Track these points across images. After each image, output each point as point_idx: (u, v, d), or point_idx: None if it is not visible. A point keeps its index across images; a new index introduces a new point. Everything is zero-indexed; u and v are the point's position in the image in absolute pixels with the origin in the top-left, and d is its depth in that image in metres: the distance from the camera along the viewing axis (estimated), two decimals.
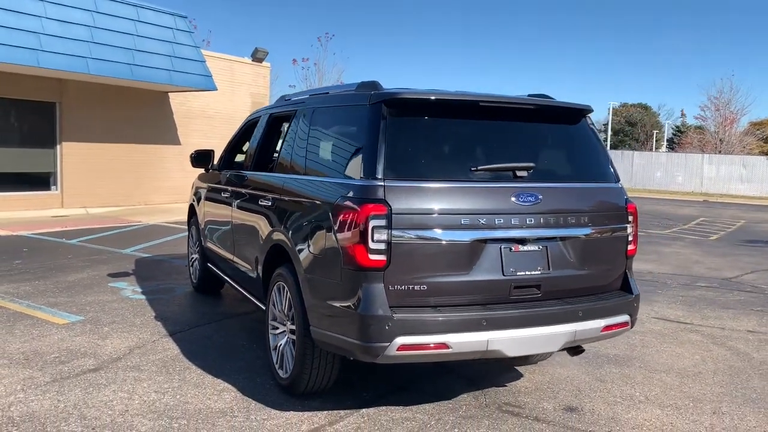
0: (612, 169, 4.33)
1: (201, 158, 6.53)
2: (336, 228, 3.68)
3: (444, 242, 3.61)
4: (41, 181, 14.69)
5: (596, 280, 4.12)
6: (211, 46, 29.21)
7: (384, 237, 3.50)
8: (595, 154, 4.32)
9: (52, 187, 14.77)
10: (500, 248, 3.74)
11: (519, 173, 3.86)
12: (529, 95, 4.45)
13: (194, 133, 17.57)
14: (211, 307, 6.77)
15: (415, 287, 3.59)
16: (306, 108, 4.79)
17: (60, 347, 5.27)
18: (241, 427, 3.92)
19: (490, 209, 3.70)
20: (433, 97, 3.81)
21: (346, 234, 3.60)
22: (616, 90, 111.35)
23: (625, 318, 4.15)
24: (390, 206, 3.52)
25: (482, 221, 3.67)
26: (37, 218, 13.41)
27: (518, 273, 3.78)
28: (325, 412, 4.15)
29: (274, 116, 5.51)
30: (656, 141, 65.06)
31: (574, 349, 4.25)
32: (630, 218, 4.24)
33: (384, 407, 4.25)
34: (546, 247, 3.88)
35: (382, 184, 3.56)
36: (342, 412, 4.15)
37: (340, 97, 4.50)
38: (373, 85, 4.03)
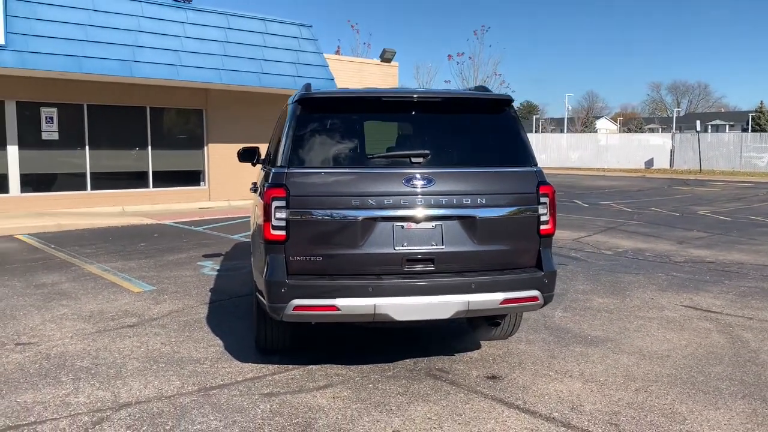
0: (528, 154, 4.57)
1: (247, 154, 7.56)
2: (258, 207, 4.44)
3: (337, 220, 4.20)
4: (193, 177, 16.99)
5: (501, 257, 4.42)
6: (371, 48, 30.72)
7: (283, 215, 4.18)
8: (511, 140, 4.60)
9: (201, 183, 17.02)
10: (392, 226, 4.24)
11: (415, 160, 4.32)
12: (472, 88, 4.83)
13: None
14: None
15: (312, 258, 4.22)
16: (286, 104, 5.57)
17: (119, 308, 6.58)
18: (201, 370, 4.82)
19: (381, 192, 4.21)
20: (337, 96, 4.40)
21: (260, 213, 4.35)
22: None
23: (533, 293, 4.38)
24: (289, 190, 4.19)
25: (372, 202, 4.19)
26: (186, 209, 15.60)
27: (410, 248, 4.24)
28: (276, 365, 4.91)
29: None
30: None
31: (491, 321, 4.57)
32: (543, 200, 4.47)
33: (328, 365, 4.91)
34: (441, 225, 4.29)
35: (285, 171, 4.25)
36: (290, 366, 4.89)
37: (292, 97, 5.22)
38: (306, 86, 4.70)
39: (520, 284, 4.36)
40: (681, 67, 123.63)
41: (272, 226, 4.20)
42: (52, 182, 14.83)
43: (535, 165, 4.57)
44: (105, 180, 15.46)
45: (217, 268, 8.70)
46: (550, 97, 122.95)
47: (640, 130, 71.40)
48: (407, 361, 5.00)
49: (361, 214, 4.19)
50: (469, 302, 4.25)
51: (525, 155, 4.57)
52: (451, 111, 4.65)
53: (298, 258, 4.23)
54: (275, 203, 4.19)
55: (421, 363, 4.96)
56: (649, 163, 39.38)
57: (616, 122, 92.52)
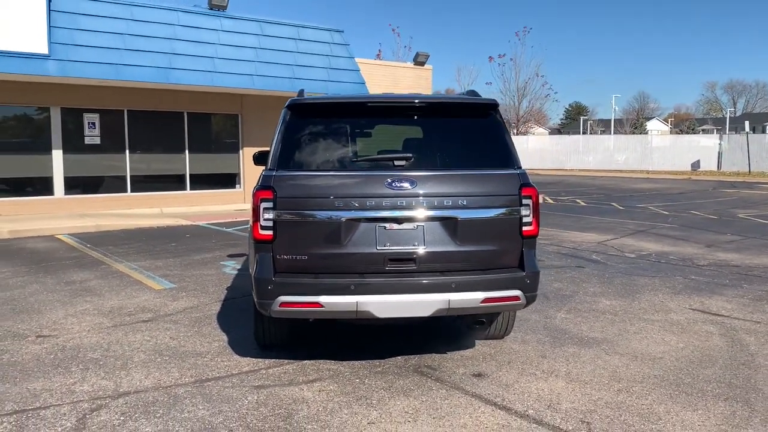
0: (511, 157, 4.66)
1: (262, 157, 7.83)
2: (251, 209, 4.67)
3: (321, 221, 4.38)
4: (229, 180, 17.47)
5: (483, 257, 4.52)
6: (411, 51, 30.75)
7: (271, 216, 4.39)
8: (494, 144, 4.70)
9: (237, 186, 17.49)
10: (375, 226, 4.40)
11: (398, 162, 4.47)
12: (463, 93, 4.96)
13: None
14: None
15: (299, 257, 4.41)
16: None
17: (138, 305, 6.92)
18: (201, 363, 5.07)
19: (364, 194, 4.37)
20: (325, 102, 4.59)
21: (252, 214, 4.57)
22: None
23: (514, 293, 4.47)
24: (276, 192, 4.39)
25: (355, 204, 4.36)
26: (221, 211, 16.05)
27: (392, 248, 4.39)
28: (272, 360, 5.12)
29: None
30: None
31: (475, 320, 4.67)
32: (525, 201, 4.55)
33: (323, 360, 5.10)
34: (422, 226, 4.42)
35: (273, 174, 4.46)
36: (285, 361, 5.09)
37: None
38: (299, 92, 4.91)
39: (501, 284, 4.46)
40: (738, 66, 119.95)
41: (260, 226, 4.41)
42: (93, 185, 15.50)
43: (519, 167, 4.66)
44: (144, 182, 16.07)
45: (238, 267, 9.00)
46: (601, 98, 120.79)
47: (693, 131, 69.59)
48: (399, 358, 5.14)
49: (344, 215, 4.37)
50: (449, 301, 4.37)
51: (508, 158, 4.66)
52: (437, 115, 4.79)
53: (285, 257, 4.42)
54: (263, 204, 4.40)
55: (411, 360, 5.10)
56: (696, 165, 38.36)
57: (668, 123, 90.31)
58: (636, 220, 14.81)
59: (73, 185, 15.16)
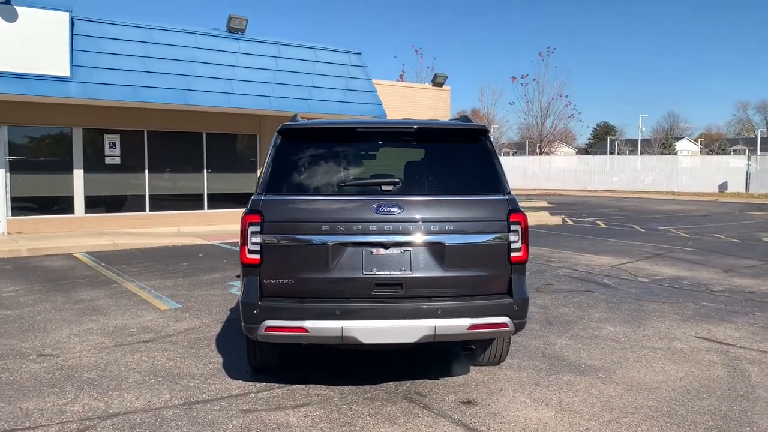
0: (500, 183, 4.64)
1: None
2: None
3: (308, 245, 4.40)
4: (247, 200, 17.55)
5: (471, 283, 4.49)
6: (434, 71, 30.80)
7: (258, 240, 4.43)
8: (483, 169, 4.68)
9: None
10: (362, 251, 4.40)
11: (385, 187, 4.48)
12: (454, 117, 4.96)
13: None
14: None
15: (285, 281, 4.43)
16: None
17: (141, 325, 7.00)
18: (193, 385, 5.09)
19: (350, 218, 4.38)
20: (315, 127, 4.63)
21: (240, 237, 4.61)
22: None
23: (502, 320, 4.43)
24: (263, 216, 4.43)
25: (342, 228, 4.37)
26: (237, 231, 16.15)
27: (378, 272, 4.38)
28: (263, 383, 5.12)
29: None
30: None
31: (464, 346, 4.63)
32: (514, 227, 4.52)
33: (313, 384, 5.08)
34: (409, 251, 4.41)
35: (261, 198, 4.50)
36: (275, 385, 5.09)
37: None
38: (293, 117, 4.96)
39: (488, 310, 4.42)
40: None
41: (248, 249, 4.45)
42: (113, 204, 15.77)
43: (508, 193, 4.63)
44: (163, 201, 16.31)
45: None
46: (629, 118, 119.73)
47: (724, 152, 68.40)
48: (390, 383, 5.11)
49: (331, 240, 4.38)
50: (435, 327, 4.34)
51: (497, 183, 4.64)
52: (427, 140, 4.80)
53: (272, 281, 4.45)
54: (251, 228, 4.44)
55: (403, 386, 5.06)
56: (723, 186, 37.71)
57: (698, 143, 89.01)
58: (655, 243, 14.58)
59: (93, 204, 15.45)
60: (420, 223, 4.41)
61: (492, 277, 4.53)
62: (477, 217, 4.50)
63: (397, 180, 4.51)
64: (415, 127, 4.76)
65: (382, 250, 4.41)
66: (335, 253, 4.39)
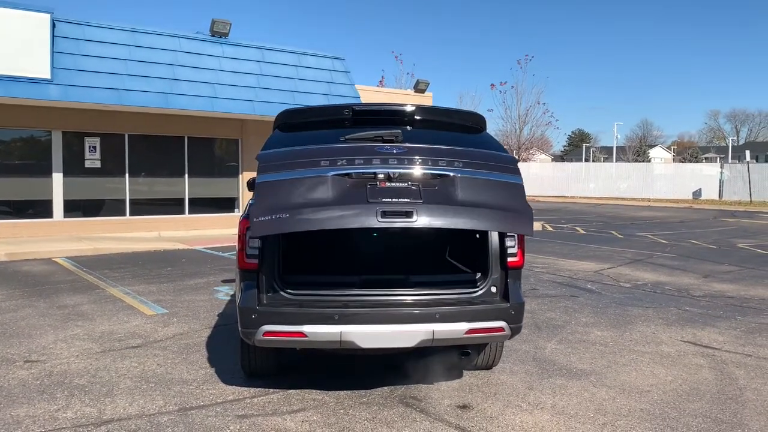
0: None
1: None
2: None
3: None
4: (228, 204, 17.53)
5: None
6: (414, 77, 30.81)
7: (257, 245, 4.41)
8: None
9: (236, 210, 17.55)
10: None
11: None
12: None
13: None
14: None
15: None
16: None
17: (128, 330, 6.91)
18: (186, 391, 5.05)
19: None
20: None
21: (238, 242, 4.59)
22: None
23: (498, 324, 4.47)
24: None
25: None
26: (219, 235, 16.07)
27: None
28: (257, 389, 5.09)
29: None
30: None
31: (460, 350, 4.66)
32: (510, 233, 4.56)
33: (308, 389, 5.07)
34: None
35: None
36: (270, 390, 5.07)
37: None
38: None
39: (485, 315, 4.46)
40: (741, 95, 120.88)
41: (246, 254, 4.43)
42: (93, 208, 15.57)
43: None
44: (143, 206, 16.13)
45: (231, 293, 8.99)
46: (604, 126, 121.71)
47: (696, 160, 69.68)
48: (385, 388, 5.12)
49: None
50: (433, 331, 4.36)
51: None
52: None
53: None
54: (249, 233, 4.42)
55: (398, 390, 5.07)
56: (697, 193, 38.40)
57: (671, 151, 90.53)
58: (634, 249, 14.79)
59: (73, 208, 15.23)
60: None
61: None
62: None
63: (399, 132, 4.54)
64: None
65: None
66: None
